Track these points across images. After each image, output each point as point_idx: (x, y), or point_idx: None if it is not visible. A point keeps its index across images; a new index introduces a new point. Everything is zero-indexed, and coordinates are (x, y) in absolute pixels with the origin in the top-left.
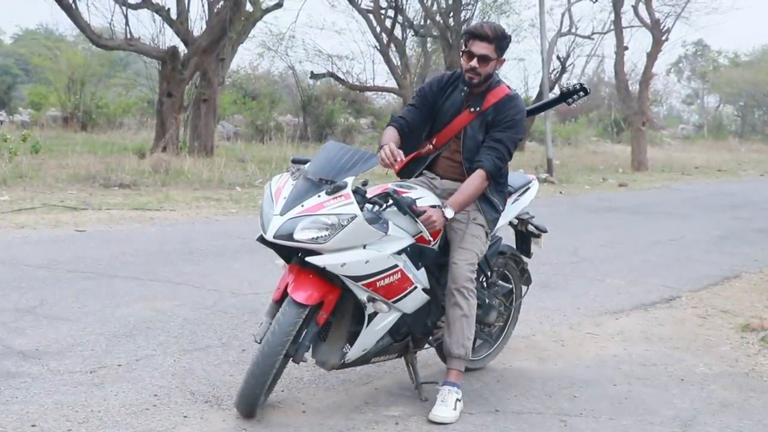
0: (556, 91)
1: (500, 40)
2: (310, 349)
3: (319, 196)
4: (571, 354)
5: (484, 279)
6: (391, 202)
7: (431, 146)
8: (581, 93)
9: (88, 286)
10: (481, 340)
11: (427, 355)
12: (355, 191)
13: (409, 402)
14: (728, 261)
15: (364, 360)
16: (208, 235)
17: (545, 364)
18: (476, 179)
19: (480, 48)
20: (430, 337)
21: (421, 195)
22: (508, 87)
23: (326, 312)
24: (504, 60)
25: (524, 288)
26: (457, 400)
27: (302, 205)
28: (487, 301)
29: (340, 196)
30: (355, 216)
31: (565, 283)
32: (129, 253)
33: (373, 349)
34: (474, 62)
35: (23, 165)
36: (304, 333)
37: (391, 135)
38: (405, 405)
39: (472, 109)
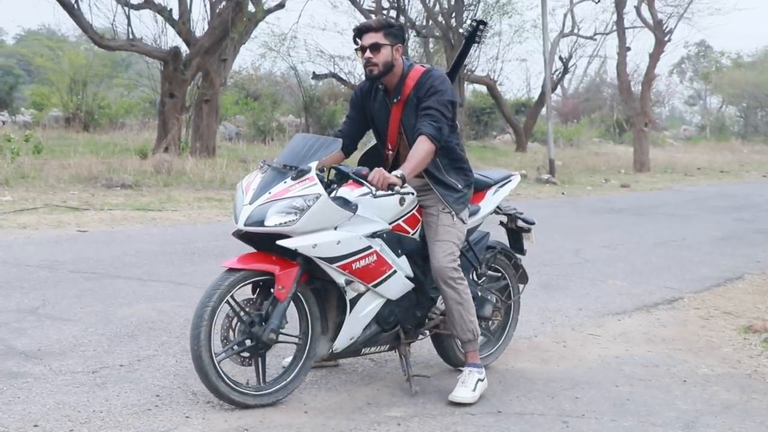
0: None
1: (387, 28)
2: (280, 330)
3: (285, 182)
4: (573, 355)
5: (474, 273)
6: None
7: (390, 151)
8: (481, 27)
9: (90, 286)
10: (482, 336)
11: (428, 356)
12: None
13: (411, 402)
14: (730, 262)
15: (354, 351)
16: (209, 236)
17: (547, 365)
18: (420, 144)
19: (368, 39)
20: (423, 328)
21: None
22: (423, 65)
23: (283, 286)
24: (401, 47)
25: (521, 286)
26: (479, 380)
27: (269, 192)
28: (479, 294)
29: (305, 179)
30: (320, 195)
31: (567, 285)
32: (131, 253)
33: (361, 338)
34: (367, 53)
35: (25, 165)
36: (269, 311)
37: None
38: (407, 405)
39: (395, 100)
